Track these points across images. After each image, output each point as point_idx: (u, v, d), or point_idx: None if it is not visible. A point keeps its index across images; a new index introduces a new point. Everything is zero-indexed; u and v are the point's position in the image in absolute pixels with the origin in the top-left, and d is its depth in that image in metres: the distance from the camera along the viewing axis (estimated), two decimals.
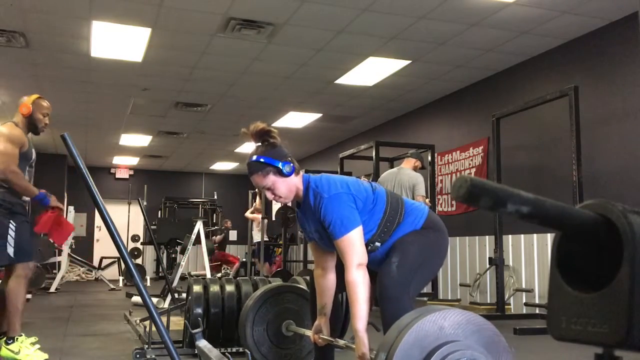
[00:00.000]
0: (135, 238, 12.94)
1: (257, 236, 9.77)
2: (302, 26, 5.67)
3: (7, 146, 3.49)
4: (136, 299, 7.02)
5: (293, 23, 5.58)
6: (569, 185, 5.05)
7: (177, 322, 5.06)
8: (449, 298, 7.50)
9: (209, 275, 6.88)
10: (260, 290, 3.28)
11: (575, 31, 5.77)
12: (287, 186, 2.47)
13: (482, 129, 7.11)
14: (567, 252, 0.88)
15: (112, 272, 11.14)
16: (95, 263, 11.60)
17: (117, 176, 14.67)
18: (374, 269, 2.47)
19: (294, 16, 5.43)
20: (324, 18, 5.46)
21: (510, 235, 6.45)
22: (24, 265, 3.54)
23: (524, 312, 6.15)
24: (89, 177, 1.83)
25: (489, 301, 6.63)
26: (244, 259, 10.93)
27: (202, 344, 2.79)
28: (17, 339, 3.48)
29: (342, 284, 2.51)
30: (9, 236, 3.45)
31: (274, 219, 8.85)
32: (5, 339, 3.48)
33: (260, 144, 2.50)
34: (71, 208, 10.31)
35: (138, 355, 3.49)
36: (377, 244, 2.52)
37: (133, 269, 1.83)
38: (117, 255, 10.35)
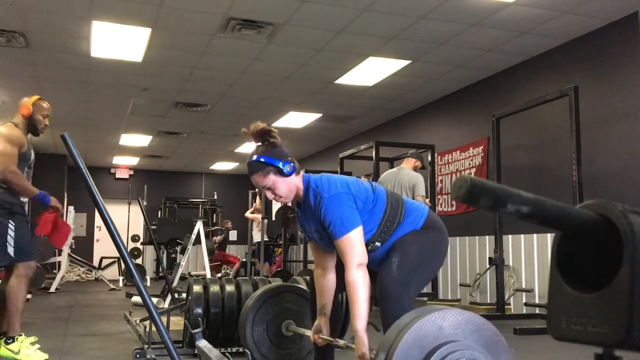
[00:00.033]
0: (135, 238, 12.94)
1: (257, 236, 9.77)
2: (302, 26, 5.67)
3: (7, 146, 3.49)
4: (136, 299, 7.02)
5: (293, 23, 5.58)
6: (569, 185, 5.05)
7: (177, 322, 5.06)
8: (449, 298, 7.50)
9: (209, 276, 6.88)
10: (260, 290, 3.28)
11: (575, 31, 5.77)
12: (287, 186, 2.47)
13: (482, 129, 7.11)
14: (567, 252, 0.88)
15: (112, 272, 11.14)
16: (95, 263, 11.59)
17: (117, 176, 14.67)
18: (374, 268, 2.47)
19: (294, 16, 5.43)
20: (324, 18, 5.46)
21: (510, 235, 6.45)
22: (25, 265, 3.54)
23: (524, 312, 6.15)
24: (89, 177, 1.83)
25: (489, 301, 6.63)
26: (244, 259, 10.93)
27: (202, 344, 2.79)
28: (16, 338, 3.48)
29: (342, 284, 2.51)
30: (8, 236, 3.45)
31: (274, 219, 8.85)
32: (4, 338, 3.47)
33: (260, 143, 2.50)
34: (71, 208, 10.30)
35: (138, 355, 3.49)
36: (377, 243, 2.52)
37: (133, 269, 1.83)
38: (117, 255, 10.35)
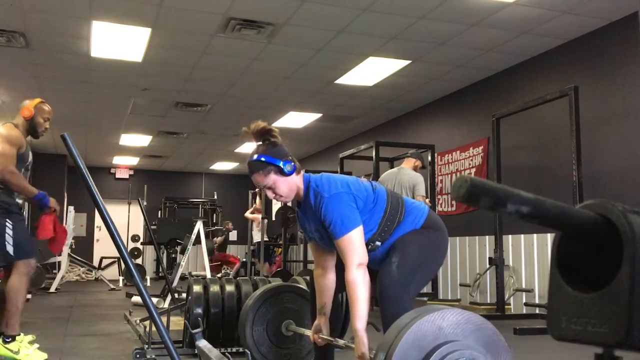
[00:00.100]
0: (135, 238, 12.94)
1: (257, 236, 9.78)
2: (302, 26, 5.67)
3: (5, 147, 3.49)
4: (136, 299, 7.02)
5: (293, 23, 5.58)
6: (569, 185, 5.05)
7: (177, 322, 5.06)
8: (449, 298, 7.50)
9: (209, 276, 6.88)
10: (259, 290, 3.28)
11: (575, 31, 5.77)
12: (288, 185, 2.47)
13: (482, 129, 7.11)
14: (567, 252, 0.88)
15: (112, 272, 11.14)
16: (95, 263, 11.59)
17: (117, 176, 14.67)
18: (374, 268, 2.47)
19: (294, 16, 5.43)
20: (324, 18, 5.46)
21: (510, 235, 6.45)
22: (26, 263, 3.54)
23: (524, 312, 6.15)
24: (89, 177, 1.83)
25: (489, 301, 6.63)
26: (244, 259, 10.93)
27: (202, 344, 2.79)
28: (16, 338, 3.48)
29: (342, 284, 2.51)
30: (7, 235, 3.45)
31: (274, 219, 8.85)
32: (2, 337, 3.46)
33: (261, 143, 2.50)
34: (71, 208, 10.30)
35: (138, 355, 3.49)
36: (378, 243, 2.52)
37: (133, 269, 1.83)
38: (117, 255, 10.35)
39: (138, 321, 4.60)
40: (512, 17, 5.41)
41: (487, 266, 6.51)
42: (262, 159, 2.44)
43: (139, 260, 12.33)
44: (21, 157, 3.59)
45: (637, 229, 0.78)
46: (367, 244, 2.45)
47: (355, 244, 2.36)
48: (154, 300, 6.02)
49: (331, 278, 2.66)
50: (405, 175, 5.94)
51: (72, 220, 9.91)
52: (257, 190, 10.08)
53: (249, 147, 8.61)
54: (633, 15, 5.18)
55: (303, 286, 3.39)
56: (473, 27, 5.68)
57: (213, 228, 12.11)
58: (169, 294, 6.32)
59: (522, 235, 6.37)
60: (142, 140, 11.22)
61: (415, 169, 6.10)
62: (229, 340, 3.71)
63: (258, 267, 9.50)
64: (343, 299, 2.90)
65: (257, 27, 5.66)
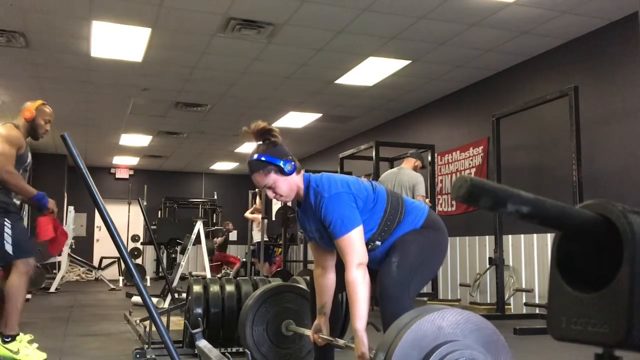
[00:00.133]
0: (135, 238, 12.94)
1: (257, 236, 9.78)
2: (302, 26, 5.67)
3: (5, 147, 3.49)
4: (136, 299, 7.02)
5: (293, 23, 5.58)
6: (569, 185, 5.05)
7: (177, 322, 5.06)
8: (449, 298, 7.50)
9: (209, 276, 6.88)
10: (259, 290, 3.28)
11: (575, 31, 5.77)
12: (288, 185, 2.47)
13: (482, 129, 7.11)
14: (567, 252, 0.88)
15: (112, 272, 11.14)
16: (95, 263, 11.59)
17: (117, 176, 14.67)
18: (374, 267, 2.47)
19: (294, 16, 5.43)
20: (324, 18, 5.46)
21: (510, 235, 6.45)
22: (25, 262, 3.53)
23: (524, 312, 6.15)
24: (89, 177, 1.83)
25: (489, 301, 6.63)
26: (244, 259, 10.93)
27: (202, 344, 2.79)
28: (16, 338, 3.47)
29: (342, 284, 2.51)
30: (5, 234, 3.45)
31: (274, 219, 8.85)
32: (2, 337, 3.45)
33: (261, 142, 2.50)
34: (71, 208, 10.30)
35: (138, 355, 3.49)
36: (378, 242, 2.53)
37: (133, 269, 1.83)
38: (117, 255, 10.35)
39: (138, 321, 4.60)
40: (512, 17, 5.41)
41: (487, 266, 6.51)
42: (263, 158, 2.44)
43: (139, 260, 12.33)
44: (20, 158, 3.59)
45: (637, 229, 0.78)
46: (367, 244, 2.45)
47: (355, 244, 2.36)
48: (154, 300, 6.02)
49: (331, 278, 2.66)
50: (405, 175, 5.94)
51: (72, 220, 9.91)
52: (257, 190, 10.09)
53: (249, 147, 8.61)
54: (633, 15, 5.18)
55: (303, 286, 3.39)
56: (473, 27, 5.67)
57: (213, 228, 12.11)
58: (169, 294, 6.32)
59: (522, 235, 6.37)
60: (142, 140, 11.22)
61: (415, 168, 6.10)
62: (229, 340, 3.71)
63: (258, 267, 9.50)
64: (343, 299, 2.90)
65: (257, 27, 5.66)
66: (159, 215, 13.50)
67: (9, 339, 3.44)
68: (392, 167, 7.91)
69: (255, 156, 2.46)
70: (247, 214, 10.24)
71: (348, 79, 7.31)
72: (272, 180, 2.45)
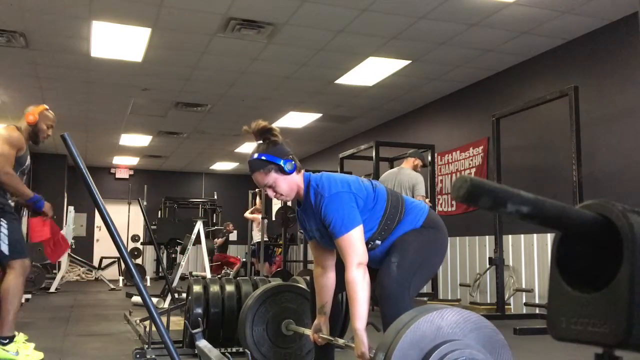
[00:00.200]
0: (135, 238, 12.94)
1: (257, 236, 9.78)
2: (302, 26, 5.67)
3: (4, 147, 3.50)
4: (136, 299, 7.02)
5: (293, 23, 5.58)
6: (569, 185, 5.05)
7: (177, 322, 5.06)
8: (449, 298, 7.50)
9: (209, 276, 6.88)
10: (259, 289, 3.28)
11: (575, 31, 5.77)
12: (288, 184, 2.47)
13: (482, 129, 7.11)
14: (567, 252, 0.88)
15: (112, 272, 11.14)
16: (95, 263, 11.59)
17: (117, 176, 14.67)
18: (374, 267, 2.47)
19: (294, 16, 5.43)
20: (324, 18, 5.46)
21: (510, 235, 6.45)
22: (21, 262, 3.52)
23: (524, 312, 6.15)
24: (89, 177, 1.83)
25: (489, 301, 6.63)
26: (244, 259, 10.93)
27: (202, 344, 2.79)
28: (14, 339, 3.46)
29: (342, 283, 2.51)
30: (1, 234, 3.45)
31: (274, 219, 8.85)
32: None
33: (261, 142, 2.50)
34: (71, 208, 10.30)
35: (138, 355, 3.49)
36: (378, 242, 2.53)
37: (133, 269, 1.83)
38: (117, 255, 10.35)
39: (138, 321, 4.60)
40: (512, 17, 5.41)
41: (487, 266, 6.51)
42: (263, 157, 2.44)
43: (139, 260, 12.34)
44: (18, 160, 3.59)
45: (637, 229, 0.78)
46: (367, 243, 2.45)
47: (355, 244, 2.36)
48: (154, 300, 6.02)
49: (331, 277, 2.66)
50: (405, 175, 5.94)
51: (72, 221, 9.90)
52: (257, 190, 10.09)
53: (249, 147, 8.61)
54: (633, 15, 5.18)
55: (303, 286, 3.38)
56: (473, 27, 5.67)
57: (213, 228, 12.11)
58: (169, 294, 6.32)
59: (522, 235, 6.37)
60: (142, 140, 11.22)
61: (415, 168, 6.11)
62: (229, 340, 3.70)
63: (258, 267, 9.50)
64: (343, 299, 2.90)
65: (257, 27, 5.66)
66: (159, 215, 13.50)
67: (7, 340, 3.42)
68: (392, 167, 7.91)
69: (256, 155, 2.46)
70: (247, 214, 10.24)
71: (348, 79, 7.31)
72: (273, 179, 2.45)
